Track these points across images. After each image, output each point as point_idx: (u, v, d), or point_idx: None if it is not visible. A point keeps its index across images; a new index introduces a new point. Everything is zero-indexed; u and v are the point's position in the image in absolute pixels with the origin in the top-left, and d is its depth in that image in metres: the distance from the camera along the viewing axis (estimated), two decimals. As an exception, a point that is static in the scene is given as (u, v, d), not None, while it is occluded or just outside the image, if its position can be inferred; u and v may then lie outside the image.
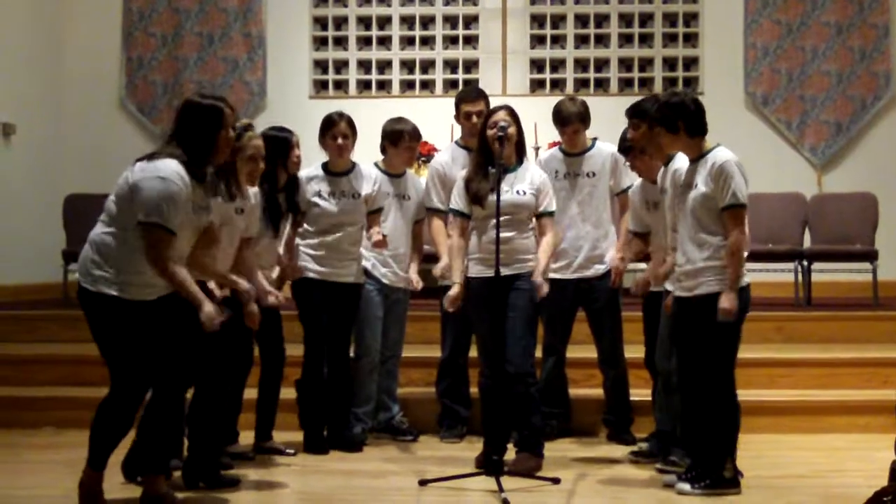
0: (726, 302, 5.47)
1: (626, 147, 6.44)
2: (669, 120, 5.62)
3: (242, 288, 5.71)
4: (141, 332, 5.07)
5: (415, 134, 7.08)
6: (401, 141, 7.02)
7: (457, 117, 7.19)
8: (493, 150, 6.17)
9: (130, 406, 5.18)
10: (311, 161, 6.89)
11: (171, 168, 5.00)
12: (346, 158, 6.83)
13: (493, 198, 6.01)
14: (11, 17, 11.04)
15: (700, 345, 5.60)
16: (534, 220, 6.37)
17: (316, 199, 6.72)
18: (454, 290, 6.26)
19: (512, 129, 6.24)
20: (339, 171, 6.81)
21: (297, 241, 6.78)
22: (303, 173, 6.74)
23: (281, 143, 6.39)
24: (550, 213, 6.37)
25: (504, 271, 6.05)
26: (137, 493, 5.36)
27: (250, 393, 6.57)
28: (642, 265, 6.34)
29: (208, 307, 5.09)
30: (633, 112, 6.31)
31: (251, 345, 6.36)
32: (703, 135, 5.65)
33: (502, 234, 6.02)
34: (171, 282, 5.03)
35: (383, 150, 7.12)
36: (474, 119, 6.94)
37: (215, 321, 5.10)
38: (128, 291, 5.03)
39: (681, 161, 5.78)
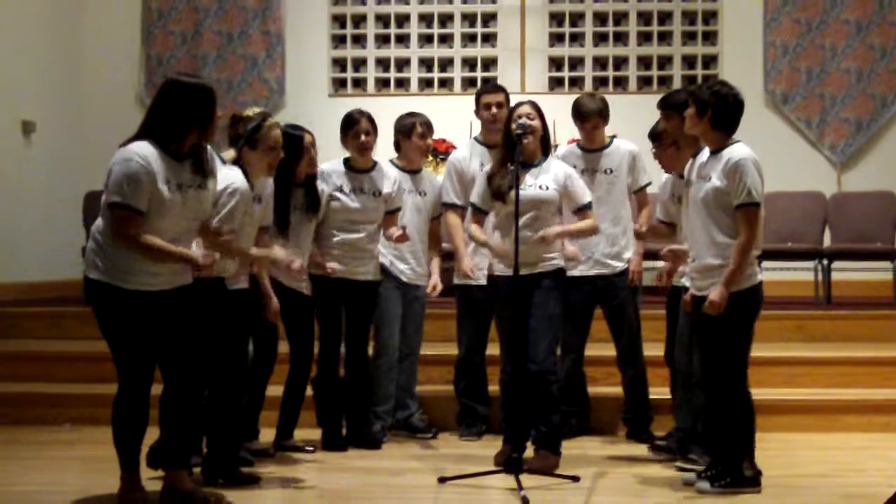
0: (716, 295, 5.46)
1: (654, 134, 6.40)
2: (702, 102, 5.59)
3: (276, 255, 5.88)
4: (137, 321, 5.10)
5: (426, 124, 7.07)
6: (413, 132, 7.01)
7: (476, 111, 7.17)
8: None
9: (136, 398, 5.20)
10: (329, 159, 6.88)
11: (134, 149, 5.03)
12: (368, 156, 6.83)
13: (514, 193, 5.99)
14: (32, 15, 11.07)
15: (713, 343, 5.60)
16: (559, 217, 6.34)
17: (336, 194, 6.71)
18: (496, 244, 6.20)
19: (535, 123, 6.22)
20: (360, 168, 6.81)
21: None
22: (324, 166, 6.74)
23: (293, 141, 6.35)
24: (588, 205, 6.36)
25: (529, 271, 6.05)
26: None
27: (273, 390, 6.57)
28: (662, 263, 6.30)
29: (199, 253, 5.15)
30: (664, 104, 6.27)
31: (276, 341, 6.38)
32: (727, 131, 5.62)
33: (526, 233, 6.01)
34: (148, 254, 5.02)
35: (397, 146, 7.12)
36: (493, 110, 6.95)
37: (210, 262, 5.16)
38: (122, 279, 5.06)
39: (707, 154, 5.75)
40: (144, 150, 5.03)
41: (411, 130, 7.02)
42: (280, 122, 6.12)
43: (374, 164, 6.86)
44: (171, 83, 5.23)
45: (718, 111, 5.57)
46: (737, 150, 5.56)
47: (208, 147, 5.33)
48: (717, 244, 5.55)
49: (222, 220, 5.50)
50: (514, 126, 6.15)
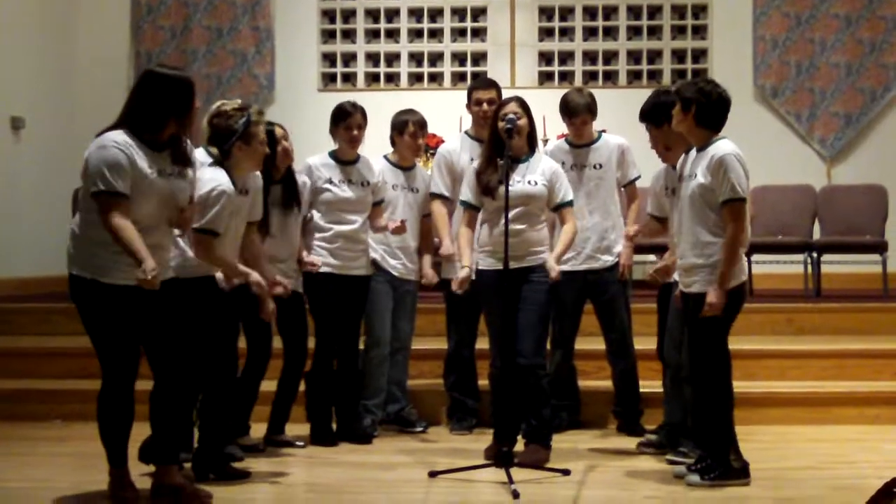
0: (713, 297, 5.48)
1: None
2: (686, 99, 5.62)
3: (253, 280, 5.71)
4: (118, 316, 5.08)
5: (420, 123, 7.08)
6: (405, 129, 7.03)
7: (468, 106, 7.18)
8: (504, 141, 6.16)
9: (120, 393, 5.18)
10: (318, 153, 6.89)
11: (109, 136, 5.04)
12: (356, 149, 6.85)
13: (503, 189, 5.99)
14: (21, 11, 11.04)
15: (697, 338, 5.64)
16: (546, 212, 6.35)
17: (328, 186, 6.73)
18: (463, 273, 6.17)
19: (522, 121, 6.23)
20: (348, 159, 6.83)
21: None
22: (311, 160, 6.78)
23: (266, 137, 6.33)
24: (569, 203, 6.36)
25: (517, 264, 6.05)
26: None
27: (264, 385, 6.56)
28: (652, 257, 6.31)
29: (149, 263, 4.88)
30: (641, 117, 6.29)
31: (270, 337, 6.38)
32: (711, 128, 5.63)
33: (514, 227, 6.01)
34: (114, 235, 4.92)
35: (392, 142, 7.13)
36: (485, 106, 6.95)
37: (155, 280, 4.92)
38: (101, 274, 5.04)
39: (699, 151, 5.76)
40: (119, 138, 5.03)
41: (403, 129, 7.04)
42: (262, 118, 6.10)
43: (359, 155, 6.90)
44: (148, 74, 5.24)
45: (702, 108, 5.59)
46: (720, 147, 5.57)
47: (187, 140, 5.31)
48: (701, 244, 5.57)
49: (209, 223, 5.48)
50: (501, 124, 6.16)
